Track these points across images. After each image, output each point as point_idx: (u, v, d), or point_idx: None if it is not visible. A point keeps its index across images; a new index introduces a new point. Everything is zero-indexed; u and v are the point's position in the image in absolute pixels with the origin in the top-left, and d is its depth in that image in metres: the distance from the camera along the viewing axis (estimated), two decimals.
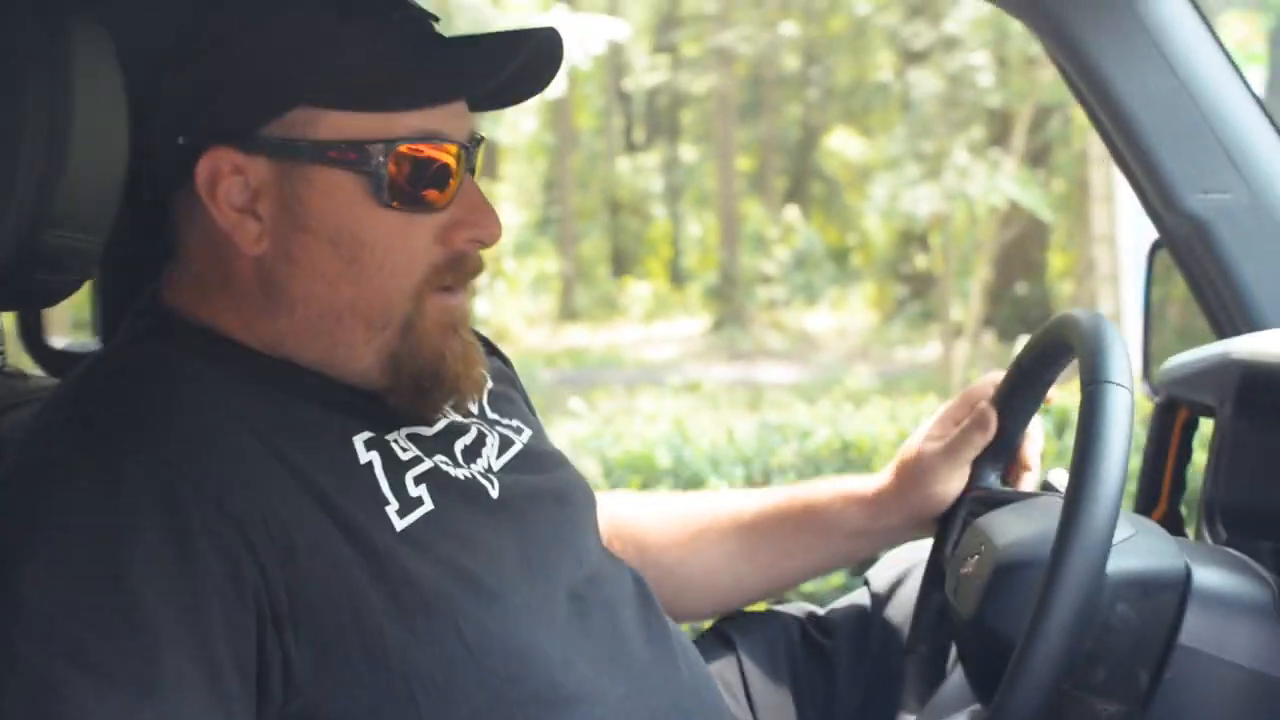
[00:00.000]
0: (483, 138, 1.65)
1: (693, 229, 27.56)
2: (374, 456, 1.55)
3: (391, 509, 1.51)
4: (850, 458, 4.59)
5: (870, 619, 2.09)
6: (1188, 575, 1.59)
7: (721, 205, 23.29)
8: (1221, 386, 1.95)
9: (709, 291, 23.88)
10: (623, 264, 27.18)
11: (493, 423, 1.75)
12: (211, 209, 1.53)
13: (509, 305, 19.85)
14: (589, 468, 4.85)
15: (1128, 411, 1.48)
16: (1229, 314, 2.10)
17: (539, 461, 1.77)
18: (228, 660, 1.37)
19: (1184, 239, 2.12)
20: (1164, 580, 1.59)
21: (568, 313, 24.26)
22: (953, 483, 1.95)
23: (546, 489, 1.73)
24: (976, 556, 1.70)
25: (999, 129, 16.17)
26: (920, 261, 20.80)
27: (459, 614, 1.49)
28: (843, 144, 22.79)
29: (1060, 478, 1.92)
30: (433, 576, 1.49)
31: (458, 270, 1.60)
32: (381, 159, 1.51)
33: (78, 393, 1.51)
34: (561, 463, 1.82)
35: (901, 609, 2.07)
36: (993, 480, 1.94)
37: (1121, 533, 1.54)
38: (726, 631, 2.09)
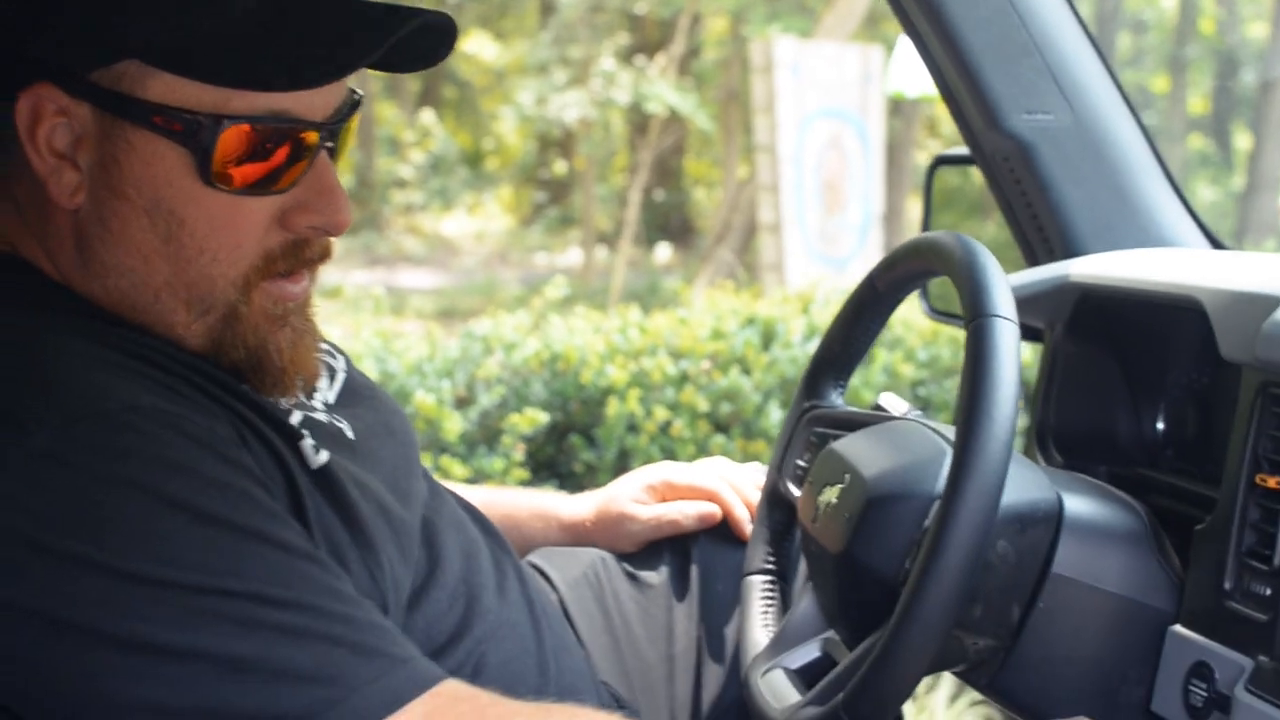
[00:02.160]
0: (357, 102, 1.49)
1: None
2: (263, 400, 1.45)
3: (307, 444, 1.43)
4: (558, 369, 4.53)
5: (686, 545, 2.05)
6: (1060, 506, 1.59)
7: None
8: (1056, 309, 1.95)
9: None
10: None
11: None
12: (29, 149, 1.37)
13: None
14: None
15: (1015, 345, 1.45)
16: (1043, 235, 2.11)
17: (361, 391, 1.69)
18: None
19: (1002, 160, 2.11)
20: (1039, 514, 1.58)
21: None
22: (648, 537, 2.05)
23: (379, 421, 1.65)
24: (840, 486, 1.65)
25: (643, 37, 16.28)
26: (559, 167, 20.87)
27: (351, 568, 1.43)
28: (478, 48, 22.61)
29: (890, 401, 1.89)
30: (328, 527, 1.42)
31: (295, 257, 1.45)
32: (212, 135, 1.35)
33: None
34: (375, 389, 1.74)
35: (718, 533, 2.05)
36: (835, 399, 1.89)
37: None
38: (541, 566, 2.02)
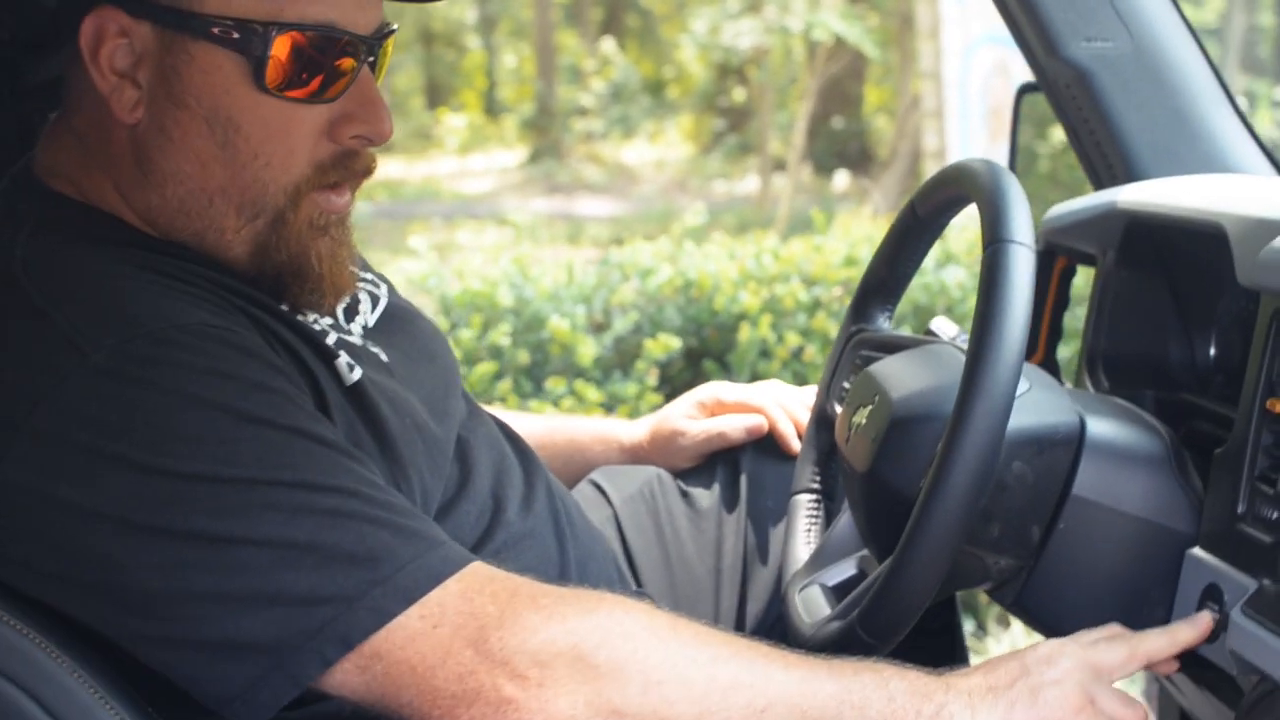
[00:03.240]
0: (392, 30, 1.58)
1: (508, 60, 27.26)
2: (302, 318, 1.55)
3: (341, 361, 1.53)
4: (691, 296, 4.58)
5: (738, 463, 2.11)
6: (1082, 429, 1.61)
7: (537, 36, 22.99)
8: (1106, 236, 1.96)
9: (525, 124, 23.66)
10: (438, 96, 26.81)
11: (356, 279, 1.72)
12: (92, 70, 1.47)
13: None
14: (426, 306, 4.79)
15: (1030, 271, 1.47)
16: (1107, 162, 2.11)
17: (402, 317, 1.77)
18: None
19: (1065, 87, 2.12)
20: (1059, 436, 1.60)
21: (382, 145, 23.84)
22: (699, 451, 2.14)
23: (418, 348, 1.74)
24: (870, 407, 1.70)
25: None
26: (737, 95, 20.79)
27: (389, 472, 1.52)
28: None
29: (942, 325, 1.92)
30: (361, 441, 1.51)
31: (344, 168, 1.55)
32: (267, 42, 1.45)
33: (47, 300, 1.41)
34: (417, 315, 1.83)
35: (769, 451, 2.11)
36: (882, 323, 1.93)
37: (1018, 388, 1.54)
38: (600, 483, 2.10)
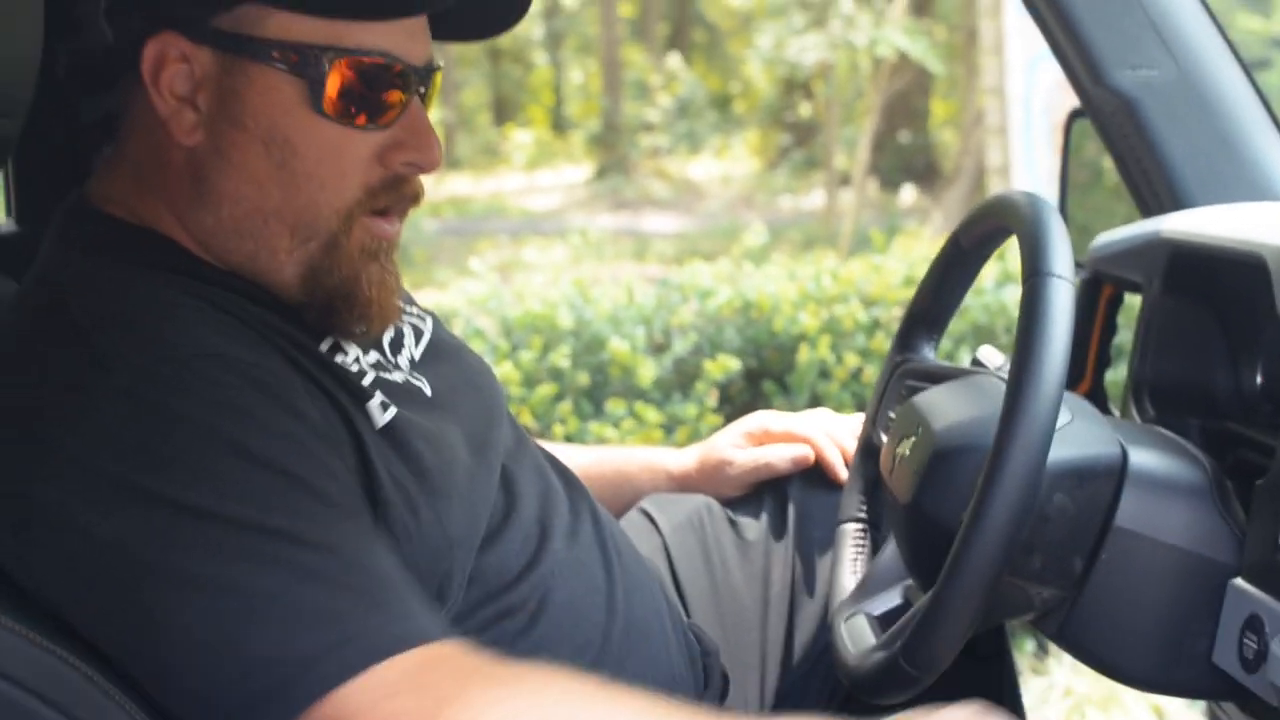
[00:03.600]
0: (439, 67, 1.62)
1: (575, 76, 27.38)
2: (342, 357, 1.58)
3: (374, 404, 1.55)
4: (751, 317, 4.60)
5: (785, 492, 2.14)
6: (1124, 460, 1.61)
7: (604, 52, 23.07)
8: (1151, 264, 1.96)
9: (592, 139, 23.76)
10: (505, 112, 26.98)
11: (401, 313, 1.75)
12: (153, 94, 1.51)
13: None
14: (488, 327, 4.83)
15: (1068, 304, 1.48)
16: (1154, 190, 2.12)
17: (446, 350, 1.80)
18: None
19: (1110, 114, 2.13)
20: (1100, 468, 1.60)
21: (450, 161, 24.05)
22: (746, 481, 2.16)
23: (463, 380, 1.76)
24: (913, 439, 1.71)
25: None
26: (803, 109, 20.80)
27: (421, 515, 1.53)
28: None
29: (988, 354, 1.93)
30: (399, 478, 1.52)
31: (394, 193, 1.58)
32: (324, 66, 1.49)
33: (89, 319, 1.45)
34: (461, 348, 1.85)
35: (816, 480, 2.14)
36: (927, 353, 1.94)
37: (1060, 420, 1.55)
38: (650, 511, 2.13)
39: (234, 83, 1.50)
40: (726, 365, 4.38)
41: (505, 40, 25.61)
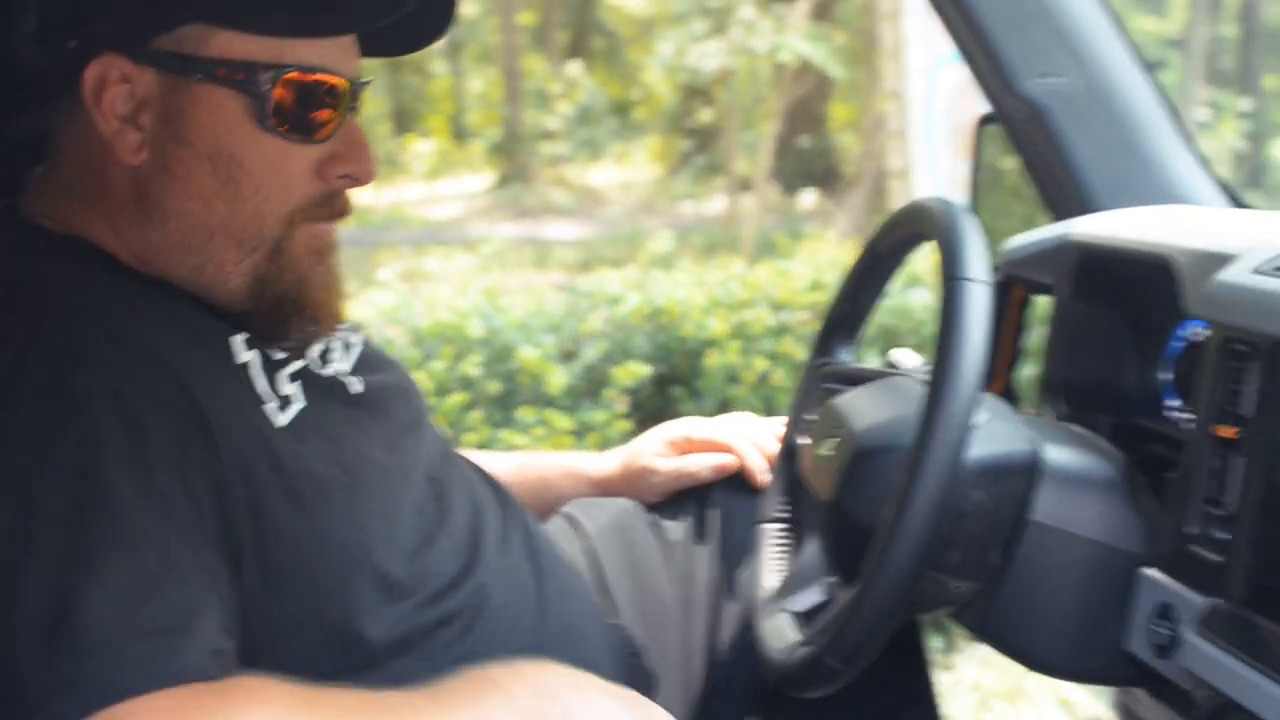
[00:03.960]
0: (368, 81, 1.67)
1: (475, 85, 27.30)
2: (251, 356, 1.59)
3: (270, 407, 1.56)
4: (660, 323, 4.64)
5: (708, 496, 2.17)
6: (1038, 456, 1.67)
7: (503, 60, 23.04)
8: (1061, 267, 2.02)
9: (492, 148, 23.72)
10: (404, 122, 26.83)
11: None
12: (94, 115, 1.54)
13: None
14: (398, 338, 4.84)
15: (985, 307, 1.54)
16: (1063, 194, 2.18)
17: (376, 362, 1.83)
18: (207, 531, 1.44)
19: (1020, 121, 2.19)
20: (1015, 464, 1.67)
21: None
22: (669, 489, 2.20)
23: (392, 385, 1.80)
24: (835, 439, 1.75)
25: None
26: (704, 115, 20.88)
27: (338, 503, 1.57)
28: None
29: (902, 357, 1.98)
30: (313, 469, 1.55)
31: (330, 206, 1.63)
32: (268, 83, 1.54)
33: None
34: (392, 363, 1.89)
35: (739, 484, 2.17)
36: (845, 356, 1.99)
37: (976, 419, 1.60)
38: (575, 515, 2.15)
39: (179, 101, 1.54)
40: (636, 371, 4.41)
41: None
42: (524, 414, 4.34)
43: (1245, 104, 17.71)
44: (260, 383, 1.58)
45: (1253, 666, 1.42)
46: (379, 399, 1.74)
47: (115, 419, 1.41)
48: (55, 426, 1.39)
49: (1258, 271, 1.54)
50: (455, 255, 12.62)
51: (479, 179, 23.44)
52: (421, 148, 25.35)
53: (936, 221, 1.66)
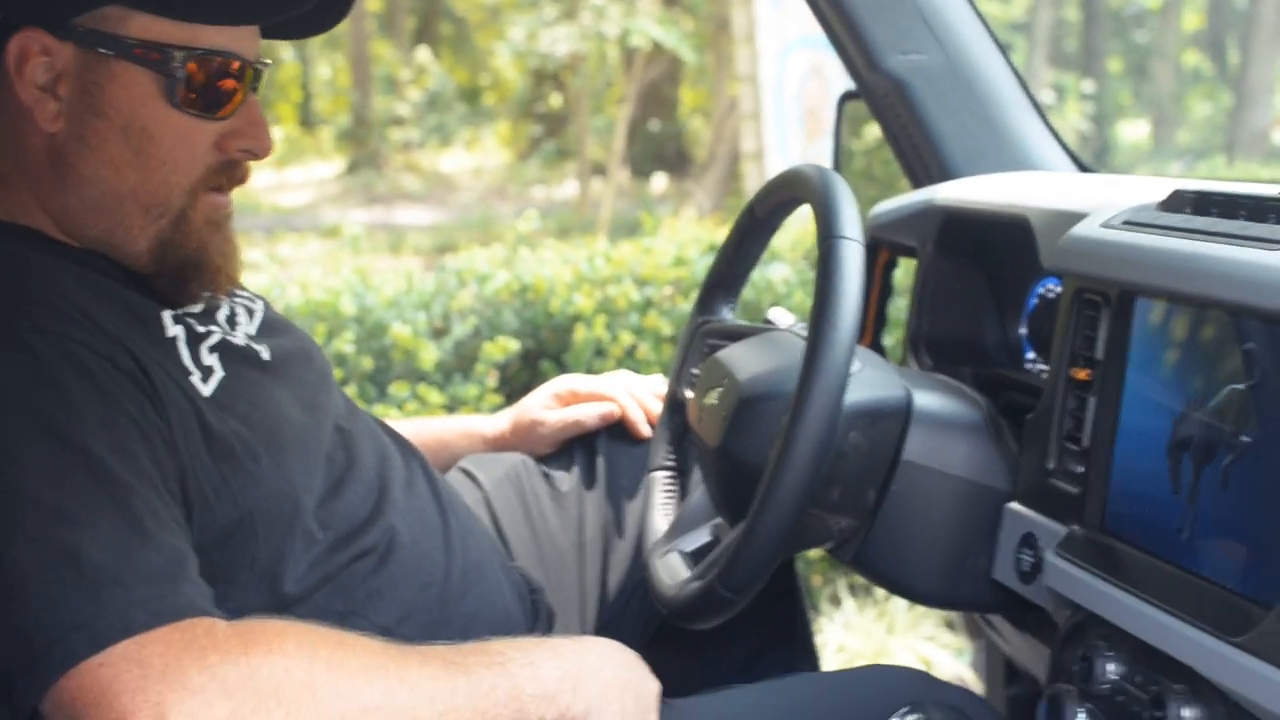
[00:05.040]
0: (269, 63, 1.80)
1: (323, 72, 27.11)
2: (178, 330, 1.70)
3: (195, 378, 1.67)
4: (528, 299, 4.74)
5: (594, 447, 2.31)
6: (909, 401, 1.81)
7: (351, 47, 22.93)
8: (924, 229, 2.17)
9: (342, 134, 23.60)
10: None
11: (231, 294, 1.89)
12: (16, 84, 1.65)
13: None
14: None
15: (859, 263, 1.66)
16: (924, 164, 2.32)
17: (277, 325, 1.93)
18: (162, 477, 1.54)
19: (883, 96, 2.33)
20: (889, 408, 1.80)
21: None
22: (558, 438, 2.34)
23: (296, 348, 1.91)
24: (720, 389, 1.88)
25: None
26: (554, 100, 20.94)
27: (265, 462, 1.68)
28: None
29: (778, 315, 2.11)
30: (239, 432, 1.66)
31: (229, 174, 1.75)
32: (180, 64, 1.66)
33: None
34: (290, 325, 1.99)
35: (621, 435, 2.32)
36: (726, 314, 2.12)
37: (852, 367, 1.73)
38: (470, 470, 2.27)
39: (96, 76, 1.65)
40: (505, 347, 4.49)
41: None
42: (397, 389, 4.40)
43: (1088, 86, 18.14)
44: (185, 355, 1.69)
45: (1108, 581, 1.56)
46: (285, 363, 1.84)
47: (84, 385, 1.51)
48: (27, 397, 1.48)
49: (1106, 226, 1.68)
50: (309, 241, 12.60)
51: (329, 166, 23.31)
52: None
53: (812, 186, 1.78)
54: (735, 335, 2.04)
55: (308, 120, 26.51)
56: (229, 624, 1.44)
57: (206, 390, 1.67)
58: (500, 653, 1.57)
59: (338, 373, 4.42)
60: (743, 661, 2.28)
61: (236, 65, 1.70)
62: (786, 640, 2.35)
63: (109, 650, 1.37)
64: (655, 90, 17.69)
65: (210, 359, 1.71)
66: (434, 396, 4.36)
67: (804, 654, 2.38)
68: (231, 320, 1.84)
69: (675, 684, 1.79)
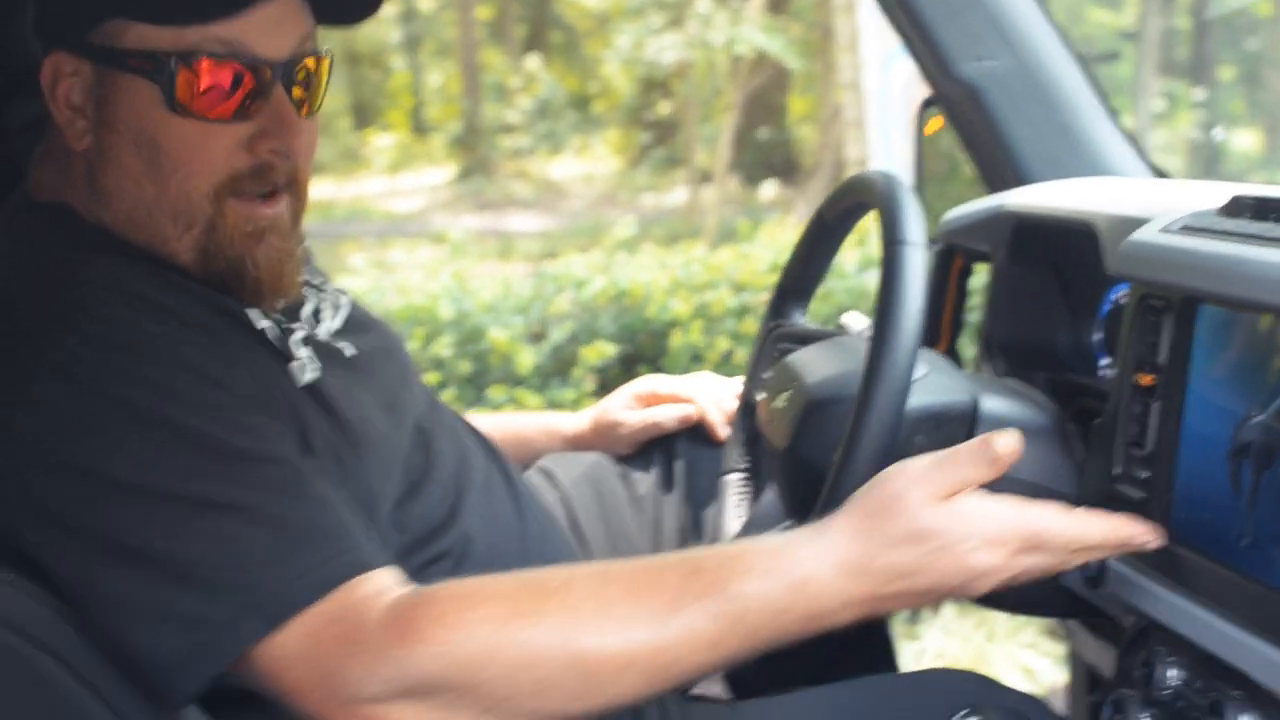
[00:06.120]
0: (312, 53, 1.75)
1: (434, 79, 27.30)
2: (267, 324, 1.73)
3: (295, 365, 1.70)
4: (625, 304, 4.77)
5: (673, 449, 2.34)
6: (976, 406, 1.81)
7: (462, 54, 23.09)
8: (997, 235, 2.17)
9: (453, 141, 23.74)
10: (365, 116, 26.82)
11: (318, 289, 1.92)
12: (52, 106, 1.69)
13: None
14: None
15: (922, 268, 1.68)
16: (999, 170, 2.33)
17: (363, 323, 1.95)
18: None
19: (958, 102, 2.33)
20: (955, 412, 1.81)
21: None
22: (637, 439, 2.36)
23: (379, 346, 1.93)
24: (788, 392, 1.90)
25: None
26: (663, 108, 20.97)
27: (349, 461, 1.70)
28: None
29: (852, 319, 2.13)
30: (327, 429, 1.68)
31: (263, 179, 1.72)
32: (172, 69, 1.64)
33: (27, 303, 1.61)
34: (376, 322, 2.01)
35: (700, 437, 2.35)
36: (797, 318, 2.14)
37: (918, 372, 1.74)
38: (549, 468, 2.31)
39: (105, 91, 1.67)
40: (603, 351, 4.54)
41: (363, 44, 25.48)
42: (495, 393, 4.46)
43: (1199, 94, 17.86)
44: (280, 346, 1.71)
45: (1170, 589, 1.56)
46: (369, 362, 1.86)
47: (185, 376, 1.54)
48: (131, 397, 1.51)
49: (1165, 231, 1.68)
50: (420, 247, 12.72)
51: (440, 172, 23.47)
52: (382, 142, 25.37)
53: (878, 191, 1.80)
54: (807, 339, 2.06)
55: (419, 127, 26.73)
56: (397, 598, 1.47)
57: (304, 379, 1.69)
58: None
59: (436, 376, 4.48)
60: (821, 665, 2.29)
61: (237, 64, 1.65)
62: (865, 644, 2.36)
63: (281, 629, 1.42)
64: (763, 98, 17.64)
65: (302, 353, 1.73)
66: (531, 400, 4.42)
67: (883, 658, 2.38)
68: (316, 316, 1.86)
69: (751, 686, 1.81)
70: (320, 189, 21.56)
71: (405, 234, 15.48)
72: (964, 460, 1.52)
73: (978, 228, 2.22)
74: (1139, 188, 2.12)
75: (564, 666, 1.43)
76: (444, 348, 4.51)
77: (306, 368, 1.71)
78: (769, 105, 18.55)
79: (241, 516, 1.46)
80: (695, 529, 2.24)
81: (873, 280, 4.80)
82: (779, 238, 5.44)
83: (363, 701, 1.41)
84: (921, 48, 2.31)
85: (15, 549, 1.51)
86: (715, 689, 2.14)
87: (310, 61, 1.74)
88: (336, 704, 1.42)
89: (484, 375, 4.64)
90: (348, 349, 1.83)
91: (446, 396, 4.46)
